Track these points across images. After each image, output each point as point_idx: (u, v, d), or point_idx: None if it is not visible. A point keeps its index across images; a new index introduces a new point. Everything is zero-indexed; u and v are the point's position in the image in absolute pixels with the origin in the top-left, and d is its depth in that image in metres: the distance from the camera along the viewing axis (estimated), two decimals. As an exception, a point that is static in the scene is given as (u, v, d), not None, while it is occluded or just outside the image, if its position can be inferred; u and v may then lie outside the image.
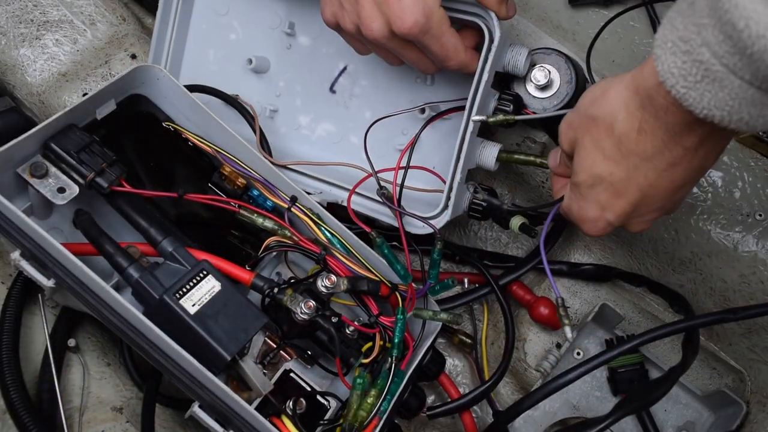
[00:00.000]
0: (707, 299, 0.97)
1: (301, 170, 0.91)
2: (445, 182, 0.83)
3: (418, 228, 0.84)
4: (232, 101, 0.93)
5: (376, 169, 0.86)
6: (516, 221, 0.88)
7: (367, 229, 0.81)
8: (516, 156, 0.86)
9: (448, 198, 0.82)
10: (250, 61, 0.96)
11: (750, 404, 0.95)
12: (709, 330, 0.99)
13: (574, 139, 0.67)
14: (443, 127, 0.90)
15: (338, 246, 0.79)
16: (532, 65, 0.86)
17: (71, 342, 0.84)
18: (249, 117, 0.92)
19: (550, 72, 0.85)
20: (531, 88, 0.87)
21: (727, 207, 0.94)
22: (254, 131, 0.90)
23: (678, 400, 0.99)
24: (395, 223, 0.85)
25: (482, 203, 0.85)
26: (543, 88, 0.86)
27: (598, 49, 0.95)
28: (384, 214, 0.87)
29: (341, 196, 0.88)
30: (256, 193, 0.82)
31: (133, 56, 1.03)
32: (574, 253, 1.06)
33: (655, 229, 0.98)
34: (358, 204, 0.87)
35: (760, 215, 0.93)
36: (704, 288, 0.97)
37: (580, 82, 0.87)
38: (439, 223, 0.83)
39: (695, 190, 0.95)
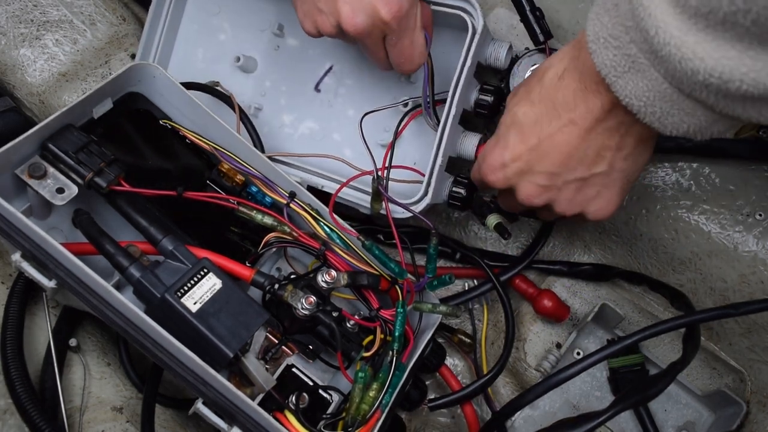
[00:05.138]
0: (707, 299, 0.97)
1: (288, 161, 0.93)
2: (424, 175, 0.84)
3: (399, 213, 0.85)
4: (210, 90, 0.94)
5: (359, 165, 0.90)
6: (492, 219, 0.90)
7: (355, 234, 0.81)
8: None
9: (429, 184, 0.84)
10: (238, 59, 0.98)
11: (750, 404, 0.95)
12: (708, 330, 0.99)
13: (515, 93, 0.75)
14: (425, 127, 0.91)
15: (337, 241, 0.79)
16: (532, 65, 0.87)
17: (72, 342, 0.84)
18: (227, 101, 0.93)
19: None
20: (531, 87, 0.88)
21: (727, 207, 0.94)
22: (233, 109, 0.92)
23: (678, 400, 0.99)
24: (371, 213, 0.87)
25: (462, 192, 0.87)
26: (542, 87, 0.87)
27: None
28: (361, 201, 0.88)
29: (321, 182, 0.91)
30: (254, 189, 0.82)
31: (133, 56, 1.03)
32: (573, 253, 1.06)
33: (655, 229, 0.98)
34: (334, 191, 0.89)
35: (760, 215, 0.93)
36: (704, 288, 0.97)
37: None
38: (419, 207, 0.84)
39: (695, 189, 0.95)
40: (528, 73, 0.88)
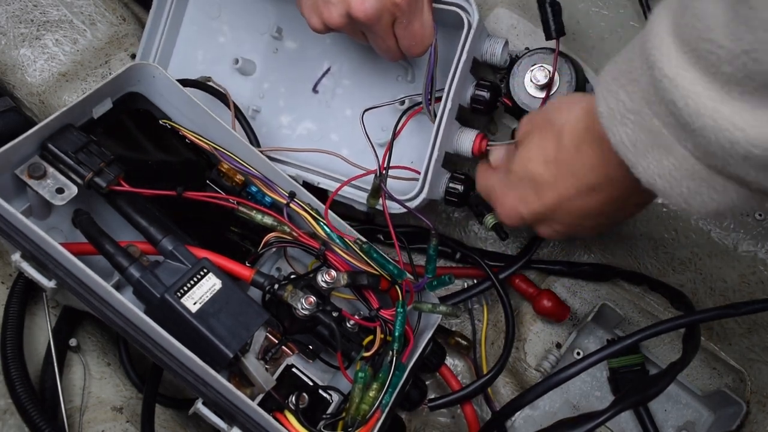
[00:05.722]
0: (707, 299, 0.97)
1: (287, 159, 0.93)
2: (420, 173, 0.84)
3: (395, 209, 0.84)
4: (203, 86, 0.93)
5: (358, 164, 0.89)
6: (490, 219, 0.90)
7: (351, 238, 0.80)
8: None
9: (425, 179, 0.83)
10: (237, 61, 0.98)
11: (750, 404, 0.95)
12: (709, 330, 0.99)
13: (529, 132, 0.70)
14: (422, 126, 0.92)
15: (337, 241, 0.79)
16: (532, 65, 0.87)
17: (72, 342, 0.84)
18: (223, 99, 0.93)
19: (550, 72, 0.86)
20: (531, 88, 0.88)
21: (726, 207, 0.94)
22: (228, 106, 0.92)
23: (678, 400, 0.99)
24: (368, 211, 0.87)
25: (459, 188, 0.87)
26: (543, 87, 0.87)
27: (597, 49, 0.95)
28: (357, 197, 0.88)
29: (317, 179, 0.90)
30: (254, 189, 0.82)
31: (133, 56, 1.03)
32: (573, 253, 1.06)
33: (655, 229, 0.98)
34: (332, 189, 0.89)
35: (760, 215, 0.93)
36: (704, 288, 0.97)
37: (580, 82, 0.88)
38: (416, 202, 0.84)
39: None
40: (528, 74, 0.88)
